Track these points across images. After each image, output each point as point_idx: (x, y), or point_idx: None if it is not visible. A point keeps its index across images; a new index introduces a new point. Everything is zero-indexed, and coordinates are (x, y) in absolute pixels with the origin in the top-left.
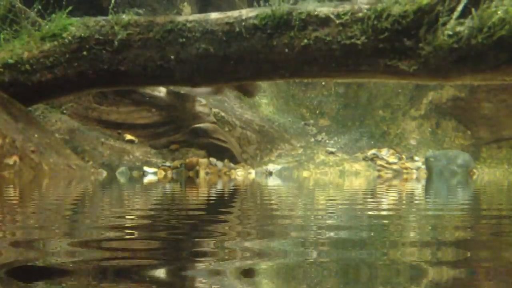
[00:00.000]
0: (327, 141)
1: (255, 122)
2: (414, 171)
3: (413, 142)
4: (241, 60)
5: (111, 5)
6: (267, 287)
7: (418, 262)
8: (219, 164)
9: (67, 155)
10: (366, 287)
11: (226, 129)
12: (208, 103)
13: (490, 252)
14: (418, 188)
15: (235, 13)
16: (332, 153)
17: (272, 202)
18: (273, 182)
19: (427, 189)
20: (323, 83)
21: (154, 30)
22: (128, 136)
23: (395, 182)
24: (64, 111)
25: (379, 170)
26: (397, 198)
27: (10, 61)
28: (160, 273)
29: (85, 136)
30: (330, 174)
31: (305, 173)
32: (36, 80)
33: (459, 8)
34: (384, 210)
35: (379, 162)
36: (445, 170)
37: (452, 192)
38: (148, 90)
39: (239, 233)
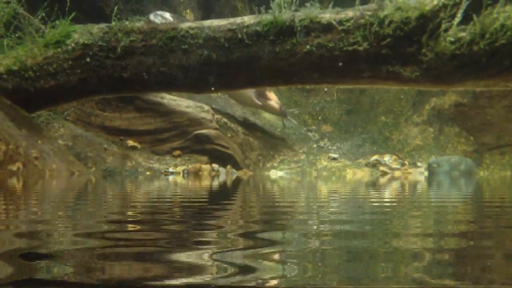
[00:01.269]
0: (330, 147)
1: (258, 128)
2: None
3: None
4: (244, 66)
5: (114, 12)
6: (268, 269)
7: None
8: (222, 170)
9: (70, 161)
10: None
11: (229, 135)
12: (210, 109)
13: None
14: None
15: (237, 20)
16: (334, 159)
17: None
18: (274, 175)
19: (430, 183)
20: (325, 89)
21: (157, 37)
22: (131, 142)
23: (397, 173)
24: (67, 118)
25: (381, 176)
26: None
27: (14, 67)
28: (161, 258)
29: (88, 142)
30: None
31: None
32: (39, 86)
33: (459, 14)
34: (387, 200)
35: (381, 168)
36: (447, 176)
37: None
38: (151, 97)
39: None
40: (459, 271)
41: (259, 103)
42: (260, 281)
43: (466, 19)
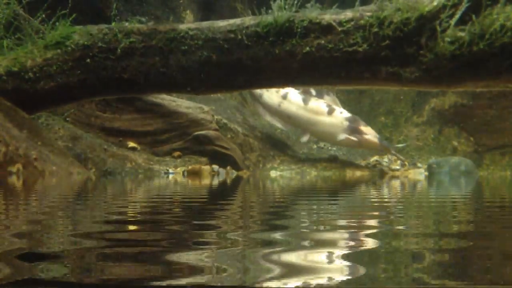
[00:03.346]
0: (330, 147)
1: (258, 129)
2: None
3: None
4: (243, 67)
5: (113, 11)
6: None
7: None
8: (222, 171)
9: (70, 162)
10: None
11: (229, 136)
12: (210, 110)
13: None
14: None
15: (237, 21)
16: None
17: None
18: (274, 175)
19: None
20: (325, 90)
21: (156, 38)
22: (131, 144)
23: (397, 174)
24: (67, 119)
25: (381, 176)
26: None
27: (14, 69)
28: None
29: (88, 143)
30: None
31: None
32: (39, 88)
33: (457, 14)
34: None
35: (381, 168)
36: (447, 177)
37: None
38: (151, 98)
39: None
40: None
41: (355, 139)
42: None
43: (465, 20)
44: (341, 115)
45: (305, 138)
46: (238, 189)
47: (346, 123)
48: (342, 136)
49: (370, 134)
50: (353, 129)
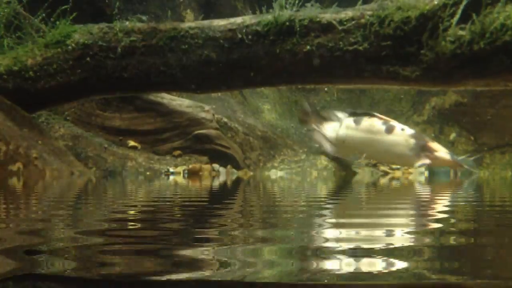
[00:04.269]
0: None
1: (258, 128)
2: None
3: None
4: (244, 66)
5: (114, 10)
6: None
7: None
8: (222, 170)
9: (70, 161)
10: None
11: (229, 135)
12: (210, 109)
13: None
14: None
15: (237, 20)
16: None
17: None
18: (275, 175)
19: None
20: (326, 89)
21: (157, 37)
22: (131, 143)
23: (398, 173)
24: (67, 118)
25: (382, 176)
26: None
27: (14, 68)
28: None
29: (88, 142)
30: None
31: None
32: (40, 87)
33: (458, 13)
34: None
35: (382, 168)
36: (448, 176)
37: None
38: (151, 97)
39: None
40: None
41: (428, 161)
42: None
43: (466, 19)
44: (404, 132)
45: (358, 159)
46: (237, 191)
47: (412, 141)
48: (417, 164)
49: (440, 150)
50: (422, 147)
